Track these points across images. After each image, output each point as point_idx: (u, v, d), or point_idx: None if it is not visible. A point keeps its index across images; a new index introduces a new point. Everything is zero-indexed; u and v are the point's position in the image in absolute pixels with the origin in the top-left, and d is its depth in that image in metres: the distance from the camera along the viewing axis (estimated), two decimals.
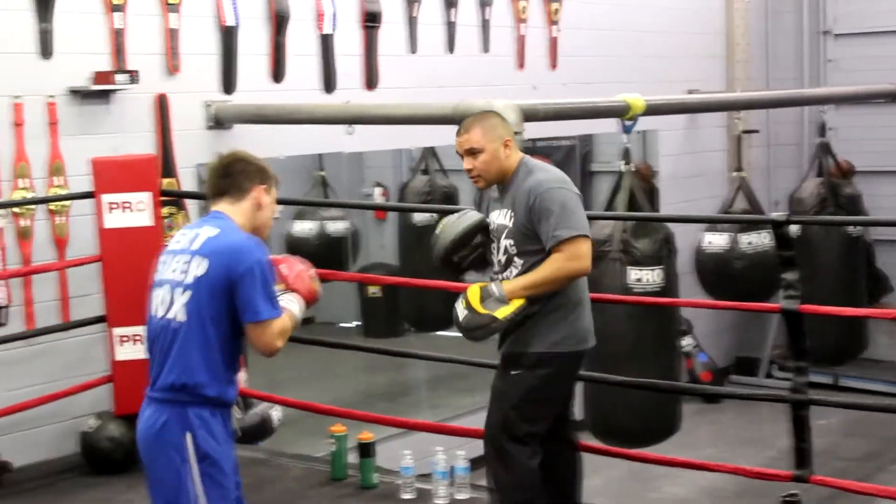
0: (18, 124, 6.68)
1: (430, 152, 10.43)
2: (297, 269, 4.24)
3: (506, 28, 9.74)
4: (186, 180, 7.48)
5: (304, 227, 10.09)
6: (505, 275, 4.81)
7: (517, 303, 4.65)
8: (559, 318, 4.75)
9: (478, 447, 6.81)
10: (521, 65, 9.84)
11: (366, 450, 6.15)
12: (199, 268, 3.91)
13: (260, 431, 7.30)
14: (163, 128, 7.35)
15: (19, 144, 6.69)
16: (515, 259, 4.76)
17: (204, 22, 7.63)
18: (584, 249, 4.63)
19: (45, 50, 6.81)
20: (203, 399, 3.94)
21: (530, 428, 4.80)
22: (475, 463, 6.13)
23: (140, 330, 6.09)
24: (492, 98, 6.74)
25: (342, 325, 11.26)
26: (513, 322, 4.72)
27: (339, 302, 10.79)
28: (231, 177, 4.09)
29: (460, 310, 4.72)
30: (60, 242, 6.87)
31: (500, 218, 4.81)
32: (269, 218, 4.16)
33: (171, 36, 7.40)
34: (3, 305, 6.61)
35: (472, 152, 4.77)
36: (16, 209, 6.68)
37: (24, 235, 6.72)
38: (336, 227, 10.03)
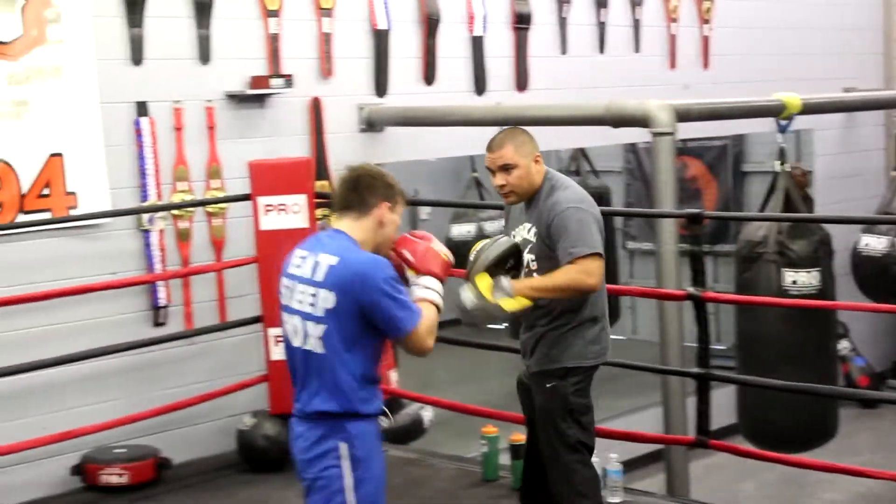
0: (178, 128, 6.84)
1: (581, 153, 10.39)
2: (422, 249, 4.17)
3: (657, 28, 9.65)
4: None
5: (463, 230, 10.12)
6: None
7: (523, 301, 4.71)
8: (585, 333, 4.85)
9: (630, 449, 6.81)
10: (672, 64, 9.74)
11: (518, 451, 6.13)
12: (327, 301, 3.92)
13: (411, 432, 7.35)
14: (317, 131, 7.45)
15: (179, 148, 6.85)
16: (535, 274, 4.85)
17: (357, 26, 7.72)
18: (596, 267, 4.69)
19: (204, 55, 6.96)
20: (353, 415, 3.99)
21: (580, 436, 4.88)
22: (628, 466, 6.11)
23: None
24: (643, 98, 6.70)
25: (490, 326, 11.24)
26: (512, 318, 4.92)
27: None
28: (357, 191, 4.06)
29: (467, 295, 4.74)
30: (218, 244, 7.01)
31: (524, 232, 4.89)
32: (390, 235, 4.13)
33: (325, 40, 7.50)
34: (163, 305, 6.78)
35: (506, 168, 4.80)
36: (175, 211, 6.84)
37: (183, 237, 6.88)
38: (494, 228, 10.03)
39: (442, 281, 4.17)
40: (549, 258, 4.77)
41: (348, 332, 3.92)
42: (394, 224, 4.11)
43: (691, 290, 5.90)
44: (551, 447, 4.90)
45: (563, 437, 4.87)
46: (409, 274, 4.14)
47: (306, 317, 3.97)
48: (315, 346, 3.96)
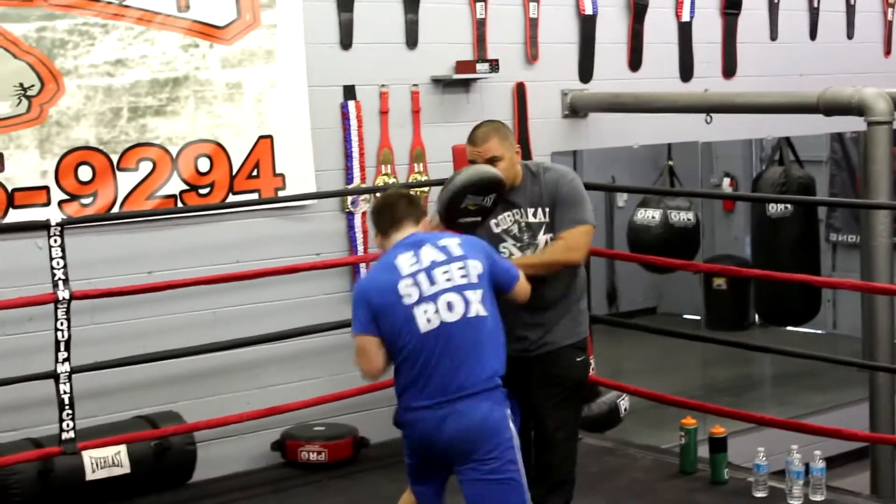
0: (384, 112, 6.91)
1: (786, 142, 10.12)
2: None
3: (873, 13, 9.35)
4: None
5: (647, 215, 9.97)
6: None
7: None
8: (584, 306, 5.09)
9: (834, 446, 6.62)
10: (888, 51, 9.42)
11: (718, 444, 6.04)
12: (476, 268, 4.37)
13: (608, 420, 7.29)
14: (520, 116, 7.44)
15: (384, 132, 6.92)
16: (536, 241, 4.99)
17: (563, 11, 7.67)
18: (583, 240, 4.92)
19: (411, 40, 7.01)
20: (502, 380, 4.41)
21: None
22: (830, 463, 5.95)
23: None
24: (854, 86, 6.49)
25: (686, 316, 11.12)
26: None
27: (683, 293, 10.66)
28: (414, 204, 4.55)
29: None
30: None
31: (531, 217, 4.95)
32: None
33: (531, 25, 7.48)
34: None
35: (492, 161, 4.89)
36: (378, 194, 6.90)
37: None
38: (680, 216, 9.87)
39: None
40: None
41: (493, 294, 4.41)
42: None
43: None
44: (574, 420, 5.05)
45: (582, 411, 5.22)
46: None
47: (462, 288, 4.33)
48: (479, 310, 4.33)
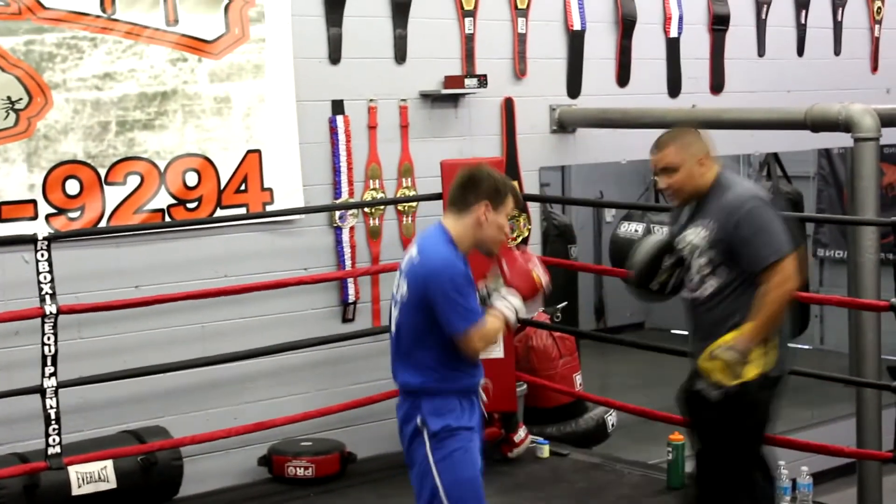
0: (372, 126, 6.91)
1: (774, 158, 10.15)
2: (518, 265, 4.34)
3: (860, 30, 9.38)
4: (530, 183, 7.56)
5: (630, 228, 9.98)
6: (698, 293, 4.69)
7: (756, 352, 4.50)
8: None
9: (820, 462, 6.63)
10: (874, 68, 9.45)
11: None
12: (402, 289, 4.24)
13: (596, 436, 7.30)
14: (508, 131, 7.45)
15: (372, 146, 6.92)
16: (709, 279, 4.64)
17: (552, 26, 7.69)
18: (791, 269, 4.49)
19: (400, 55, 7.02)
20: (422, 392, 4.27)
21: None
22: (817, 478, 5.95)
23: None
24: (845, 102, 6.50)
25: (674, 331, 11.13)
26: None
27: (671, 308, 10.65)
28: (462, 189, 4.26)
29: (709, 389, 4.59)
30: (407, 242, 7.06)
31: (692, 236, 4.66)
32: (492, 235, 4.27)
33: (520, 40, 7.49)
34: (352, 302, 6.85)
35: (667, 170, 4.64)
36: (366, 209, 6.91)
37: (373, 235, 6.95)
38: (664, 230, 9.88)
39: (526, 300, 4.34)
40: (727, 259, 4.57)
41: (415, 320, 4.20)
42: (495, 226, 4.26)
43: (895, 300, 5.70)
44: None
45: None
46: (493, 282, 4.34)
47: (393, 300, 4.31)
48: (393, 326, 4.29)
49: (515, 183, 7.32)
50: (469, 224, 4.24)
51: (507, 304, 4.28)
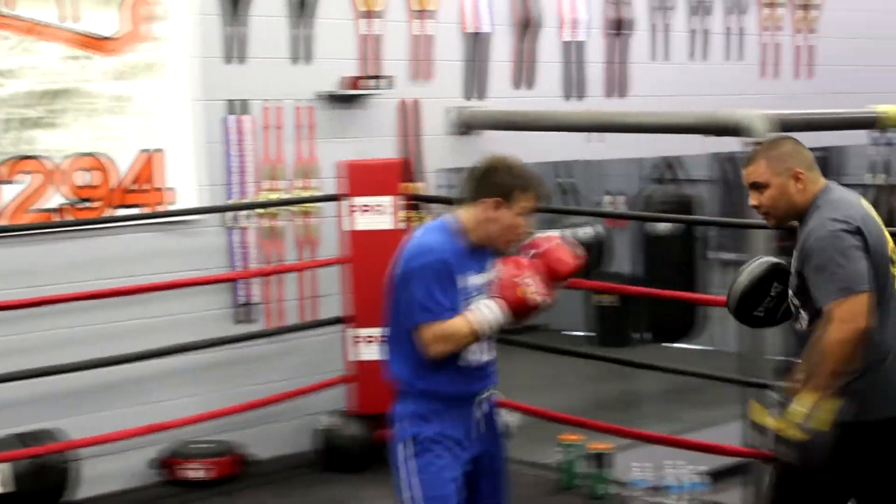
0: (272, 127, 6.88)
1: (670, 161, 10.28)
2: (507, 276, 3.97)
3: (759, 36, 9.53)
4: (432, 185, 7.57)
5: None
6: (798, 325, 4.08)
7: (826, 403, 3.79)
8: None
9: (717, 461, 6.70)
10: (774, 73, 9.61)
11: (598, 460, 6.10)
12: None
13: None
14: (409, 132, 7.46)
15: (274, 146, 6.89)
16: (801, 311, 4.02)
17: (453, 28, 7.71)
18: (858, 310, 3.77)
19: (300, 55, 7.00)
20: (401, 388, 4.04)
21: None
22: (716, 477, 6.04)
23: (379, 332, 6.16)
24: (743, 107, 6.60)
25: (566, 332, 11.23)
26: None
27: (571, 309, 10.72)
28: (472, 182, 4.04)
29: (779, 447, 3.89)
30: (308, 243, 7.05)
31: (793, 261, 4.08)
32: (501, 231, 4.00)
33: (421, 42, 7.51)
34: (245, 303, 6.82)
35: (757, 186, 4.02)
36: (262, 210, 6.87)
37: (267, 235, 6.91)
38: (584, 232, 9.95)
39: (514, 314, 3.97)
40: (807, 289, 3.94)
41: (399, 305, 3.97)
42: (501, 222, 3.99)
43: None
44: None
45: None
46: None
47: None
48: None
49: (418, 184, 7.35)
50: (477, 217, 3.99)
51: (482, 313, 3.93)
